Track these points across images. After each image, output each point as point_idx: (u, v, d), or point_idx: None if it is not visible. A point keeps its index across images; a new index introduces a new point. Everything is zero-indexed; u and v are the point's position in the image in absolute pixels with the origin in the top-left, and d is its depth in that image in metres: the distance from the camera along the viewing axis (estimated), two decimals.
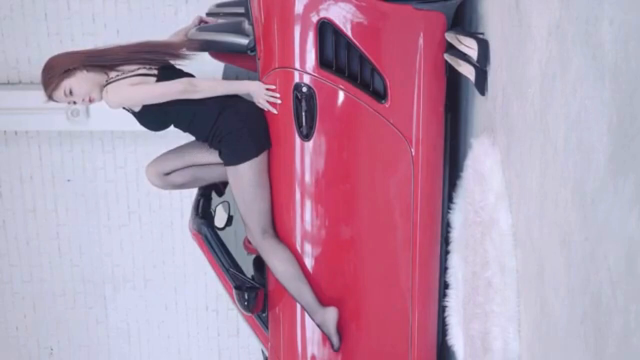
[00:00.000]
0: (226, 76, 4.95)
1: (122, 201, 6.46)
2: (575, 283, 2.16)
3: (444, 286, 3.95)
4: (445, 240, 3.90)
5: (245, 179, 3.78)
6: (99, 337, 6.85)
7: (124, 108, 3.77)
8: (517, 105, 2.85)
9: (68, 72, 3.62)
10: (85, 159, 6.33)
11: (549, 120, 2.41)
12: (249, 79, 3.87)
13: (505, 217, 3.04)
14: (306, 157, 3.75)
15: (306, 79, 3.64)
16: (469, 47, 3.41)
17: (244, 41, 3.79)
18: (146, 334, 6.83)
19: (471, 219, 3.42)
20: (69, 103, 3.72)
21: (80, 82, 3.64)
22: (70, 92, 3.63)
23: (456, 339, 3.79)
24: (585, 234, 2.06)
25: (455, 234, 3.75)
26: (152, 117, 3.75)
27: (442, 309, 3.95)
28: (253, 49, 3.74)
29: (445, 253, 3.91)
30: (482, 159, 3.33)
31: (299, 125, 3.68)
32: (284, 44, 3.63)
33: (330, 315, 3.89)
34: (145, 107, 3.70)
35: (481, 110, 3.59)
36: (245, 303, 4.03)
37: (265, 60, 3.69)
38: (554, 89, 2.35)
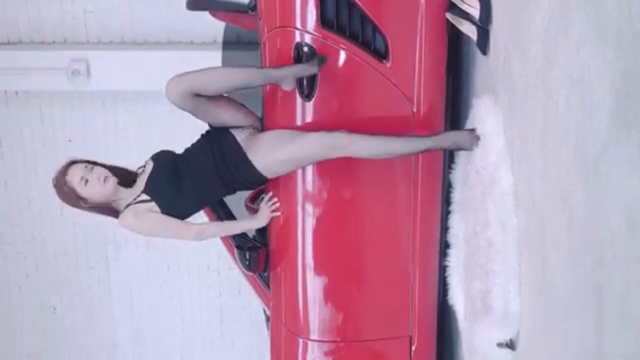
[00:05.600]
0: (226, 36, 4.92)
1: (124, 161, 6.45)
2: (576, 243, 2.16)
3: (444, 246, 3.96)
4: (446, 200, 3.90)
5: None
6: (101, 297, 6.89)
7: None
8: (519, 64, 2.84)
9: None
10: (86, 119, 6.31)
11: (551, 80, 2.40)
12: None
13: (507, 177, 3.04)
14: (307, 117, 3.73)
15: (307, 39, 3.62)
16: (471, 6, 3.39)
17: (244, 0, 3.77)
18: (148, 294, 6.87)
19: (472, 179, 3.42)
20: (81, 179, 3.78)
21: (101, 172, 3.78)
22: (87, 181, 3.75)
23: (457, 298, 3.81)
24: (587, 194, 2.06)
25: (456, 194, 3.75)
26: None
27: (442, 269, 3.97)
28: (254, 8, 3.71)
29: (446, 213, 3.92)
30: (483, 119, 3.33)
31: (300, 86, 3.66)
32: (284, 3, 3.60)
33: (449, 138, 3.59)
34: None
35: (483, 69, 3.57)
36: (247, 262, 4.04)
37: (266, 20, 3.67)
38: (556, 48, 2.34)
